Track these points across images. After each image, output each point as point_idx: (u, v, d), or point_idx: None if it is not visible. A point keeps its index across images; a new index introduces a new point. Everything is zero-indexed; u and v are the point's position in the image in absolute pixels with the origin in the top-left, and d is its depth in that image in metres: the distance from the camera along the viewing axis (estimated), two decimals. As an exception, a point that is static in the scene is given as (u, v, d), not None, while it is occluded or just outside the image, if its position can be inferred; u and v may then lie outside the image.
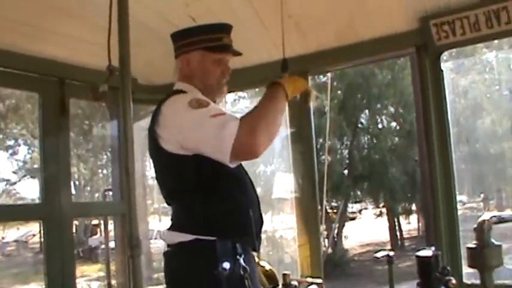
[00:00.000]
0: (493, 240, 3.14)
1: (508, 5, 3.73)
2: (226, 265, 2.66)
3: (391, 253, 4.11)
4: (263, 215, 2.99)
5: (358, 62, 4.97)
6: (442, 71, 4.14)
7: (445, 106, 4.14)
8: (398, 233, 29.19)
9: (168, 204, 2.98)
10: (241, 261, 2.71)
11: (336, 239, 25.65)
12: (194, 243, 2.72)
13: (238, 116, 2.66)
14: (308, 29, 4.50)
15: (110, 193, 5.65)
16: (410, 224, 32.19)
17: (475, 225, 3.17)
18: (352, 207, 31.28)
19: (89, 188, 28.64)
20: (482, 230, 3.15)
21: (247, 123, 2.56)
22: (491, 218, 3.18)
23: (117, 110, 4.64)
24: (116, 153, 5.21)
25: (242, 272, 2.69)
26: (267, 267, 4.23)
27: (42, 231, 4.54)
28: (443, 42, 4.03)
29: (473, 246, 3.15)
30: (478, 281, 3.28)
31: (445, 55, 4.19)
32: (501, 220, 3.21)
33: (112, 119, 5.32)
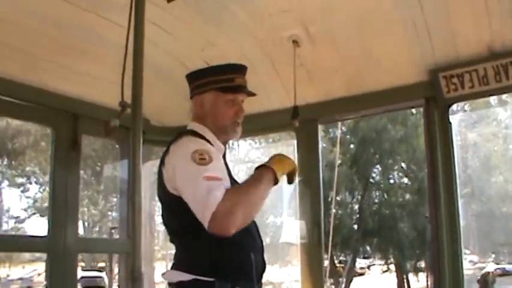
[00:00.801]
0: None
1: (516, 60, 3.78)
2: None
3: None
4: (266, 260, 2.98)
5: (367, 112, 5.01)
6: (450, 123, 4.16)
7: (453, 159, 4.15)
8: (406, 291, 28.78)
9: (172, 242, 2.98)
10: None
11: (343, 294, 25.35)
12: (193, 283, 2.71)
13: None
14: (319, 78, 4.56)
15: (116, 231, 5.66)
16: (419, 282, 31.75)
17: (479, 277, 3.15)
18: (361, 263, 30.96)
19: (97, 229, 28.65)
20: (486, 282, 3.13)
21: (228, 203, 2.51)
22: (495, 270, 3.17)
23: (128, 149, 4.69)
24: (125, 193, 5.23)
25: None
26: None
27: (46, 265, 4.52)
28: (452, 94, 4.08)
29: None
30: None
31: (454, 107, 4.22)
32: (505, 273, 3.20)
33: (123, 159, 5.36)
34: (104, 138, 4.48)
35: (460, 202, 4.15)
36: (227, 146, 3.15)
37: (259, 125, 4.86)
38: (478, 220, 25.94)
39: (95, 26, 3.87)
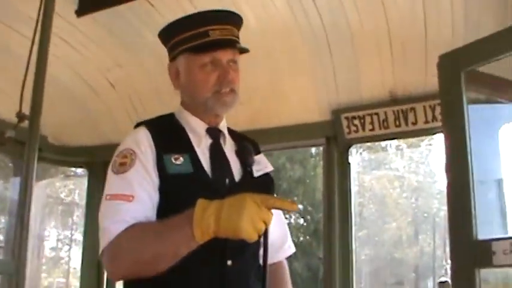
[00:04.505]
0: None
1: (415, 107, 3.91)
2: None
3: None
4: None
5: (269, 147, 5.03)
6: (349, 164, 4.23)
7: (349, 199, 4.20)
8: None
9: None
10: None
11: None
12: None
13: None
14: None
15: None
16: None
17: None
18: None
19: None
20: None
21: (121, 245, 1.90)
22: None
23: (22, 166, 4.51)
24: (14, 213, 5.02)
25: None
26: None
27: None
28: (353, 136, 4.15)
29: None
30: None
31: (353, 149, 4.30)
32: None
33: (15, 176, 5.15)
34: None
35: (355, 245, 4.18)
36: (221, 128, 2.27)
37: None
38: (371, 263, 26.59)
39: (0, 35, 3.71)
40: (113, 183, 2.02)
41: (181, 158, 2.05)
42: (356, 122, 4.12)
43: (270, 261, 2.06)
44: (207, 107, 2.15)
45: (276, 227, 2.18)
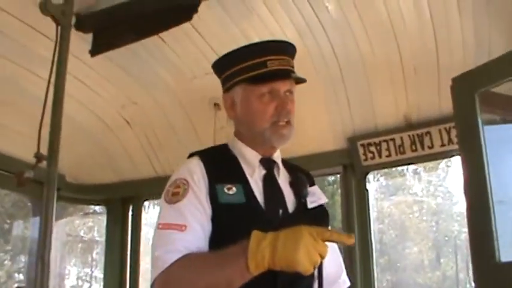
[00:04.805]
0: None
1: (431, 131, 3.91)
2: None
3: None
4: None
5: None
6: (367, 190, 4.22)
7: (369, 227, 4.18)
8: None
9: None
10: None
11: None
12: None
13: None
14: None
15: (22, 290, 5.40)
16: None
17: None
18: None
19: (1, 291, 27.41)
20: None
21: (172, 276, 1.85)
22: None
23: (41, 206, 4.53)
24: (34, 253, 5.03)
25: None
26: None
27: None
28: (370, 162, 4.15)
29: None
30: None
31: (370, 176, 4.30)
32: None
33: (34, 216, 5.18)
34: (16, 191, 4.29)
35: (376, 271, 4.16)
36: (275, 159, 2.19)
37: None
38: (392, 290, 26.30)
39: (17, 77, 3.75)
40: (166, 212, 1.98)
41: (234, 188, 2.00)
42: (372, 148, 4.12)
43: None
44: (265, 138, 2.09)
45: (331, 260, 2.09)
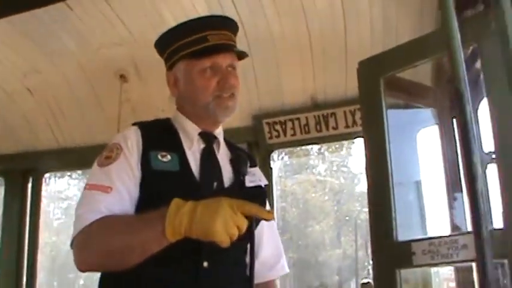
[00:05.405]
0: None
1: (336, 112, 3.98)
2: None
3: None
4: None
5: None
6: (271, 168, 4.25)
7: (272, 204, 4.21)
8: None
9: None
10: None
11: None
12: None
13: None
14: (144, 116, 4.48)
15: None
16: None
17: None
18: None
19: None
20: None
21: (91, 234, 1.83)
22: None
23: None
24: None
25: None
26: None
27: None
28: (275, 141, 4.18)
29: None
30: None
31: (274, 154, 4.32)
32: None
33: None
34: None
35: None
36: (216, 134, 2.14)
37: (80, 159, 4.54)
38: (294, 266, 26.82)
39: None
40: (95, 174, 1.96)
41: (168, 156, 1.98)
42: (277, 127, 4.15)
43: (261, 279, 2.07)
44: (209, 112, 2.05)
45: (269, 244, 2.17)
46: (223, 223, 1.62)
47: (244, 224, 1.65)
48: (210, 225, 1.62)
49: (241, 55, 2.14)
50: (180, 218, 1.66)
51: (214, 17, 2.17)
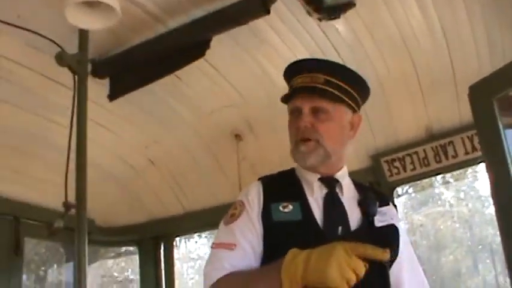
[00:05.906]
0: None
1: (453, 140, 3.90)
2: None
3: None
4: None
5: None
6: (395, 206, 4.18)
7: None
8: None
9: None
10: None
11: None
12: None
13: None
14: (262, 171, 4.53)
15: None
16: None
17: None
18: None
19: None
20: None
21: None
22: None
23: (73, 251, 4.57)
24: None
25: None
26: None
27: None
28: (396, 178, 4.14)
29: None
30: None
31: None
32: None
33: (68, 261, 5.23)
34: (48, 240, 4.31)
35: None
36: (337, 177, 2.06)
37: (206, 221, 4.72)
38: (432, 301, 25.99)
39: (40, 128, 3.81)
40: (220, 233, 2.01)
41: (290, 206, 1.96)
42: (396, 164, 4.10)
43: None
44: (294, 159, 2.06)
45: (411, 278, 2.08)
46: (338, 268, 1.57)
47: (360, 267, 1.60)
48: (324, 271, 1.58)
49: (332, 97, 2.00)
50: (295, 266, 1.63)
51: (300, 61, 2.12)
